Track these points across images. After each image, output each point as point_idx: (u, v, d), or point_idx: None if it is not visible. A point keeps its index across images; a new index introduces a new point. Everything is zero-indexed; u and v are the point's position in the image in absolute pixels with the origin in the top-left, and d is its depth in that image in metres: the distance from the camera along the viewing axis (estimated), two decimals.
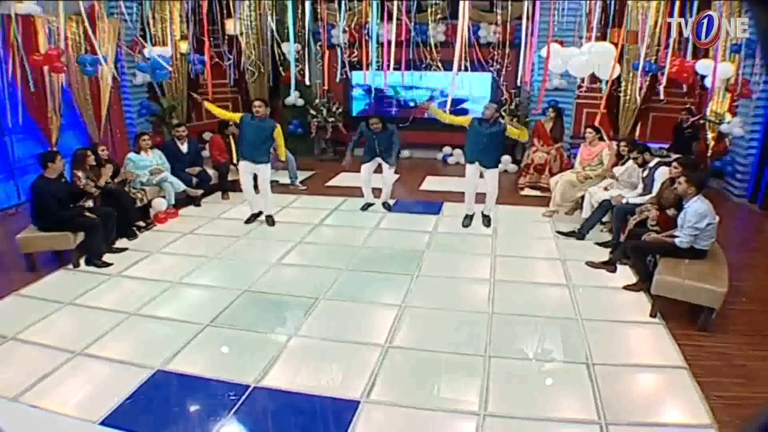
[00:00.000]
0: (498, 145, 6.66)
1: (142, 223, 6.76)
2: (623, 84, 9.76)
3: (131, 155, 7.25)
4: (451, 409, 3.43)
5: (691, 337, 4.31)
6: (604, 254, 5.96)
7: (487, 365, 3.89)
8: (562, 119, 8.88)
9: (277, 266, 5.77)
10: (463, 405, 3.47)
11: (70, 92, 8.30)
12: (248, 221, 7.12)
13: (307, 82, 7.32)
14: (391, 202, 7.81)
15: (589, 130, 7.22)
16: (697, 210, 4.62)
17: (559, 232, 6.69)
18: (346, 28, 9.86)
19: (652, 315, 4.60)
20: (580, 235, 6.51)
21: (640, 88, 9.18)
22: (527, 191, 8.71)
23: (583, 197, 7.12)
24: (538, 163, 8.59)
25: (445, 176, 9.97)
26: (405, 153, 11.59)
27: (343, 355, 4.05)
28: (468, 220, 7.01)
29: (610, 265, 5.66)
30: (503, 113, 9.64)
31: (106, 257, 5.80)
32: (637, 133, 9.90)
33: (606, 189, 6.80)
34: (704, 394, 3.57)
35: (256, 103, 6.91)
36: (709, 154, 8.82)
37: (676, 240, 4.74)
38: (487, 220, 7.01)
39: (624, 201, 6.16)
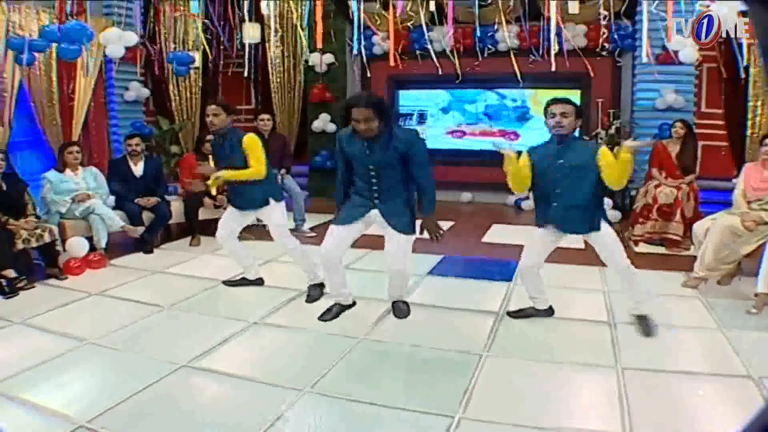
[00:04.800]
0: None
1: (12, 273, 4.24)
2: (751, 102, 7.13)
3: (49, 173, 5.15)
4: None
5: None
6: None
7: None
8: (695, 141, 5.94)
9: (185, 371, 3.07)
10: None
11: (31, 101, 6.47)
12: (238, 283, 4.53)
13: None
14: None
15: (767, 141, 4.32)
16: None
17: None
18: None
19: None
20: None
21: None
22: (642, 246, 5.79)
23: (747, 255, 4.25)
24: (664, 203, 5.60)
25: (519, 225, 7.13)
26: (466, 196, 8.89)
27: None
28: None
29: None
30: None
31: None
32: None
33: None
34: None
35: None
36: None
37: None
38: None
39: None
